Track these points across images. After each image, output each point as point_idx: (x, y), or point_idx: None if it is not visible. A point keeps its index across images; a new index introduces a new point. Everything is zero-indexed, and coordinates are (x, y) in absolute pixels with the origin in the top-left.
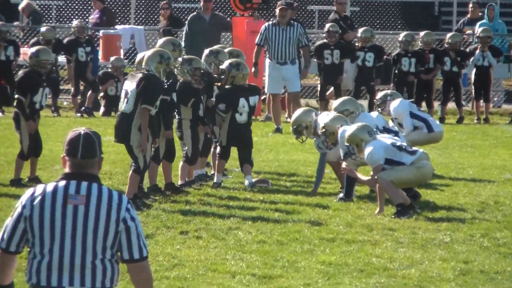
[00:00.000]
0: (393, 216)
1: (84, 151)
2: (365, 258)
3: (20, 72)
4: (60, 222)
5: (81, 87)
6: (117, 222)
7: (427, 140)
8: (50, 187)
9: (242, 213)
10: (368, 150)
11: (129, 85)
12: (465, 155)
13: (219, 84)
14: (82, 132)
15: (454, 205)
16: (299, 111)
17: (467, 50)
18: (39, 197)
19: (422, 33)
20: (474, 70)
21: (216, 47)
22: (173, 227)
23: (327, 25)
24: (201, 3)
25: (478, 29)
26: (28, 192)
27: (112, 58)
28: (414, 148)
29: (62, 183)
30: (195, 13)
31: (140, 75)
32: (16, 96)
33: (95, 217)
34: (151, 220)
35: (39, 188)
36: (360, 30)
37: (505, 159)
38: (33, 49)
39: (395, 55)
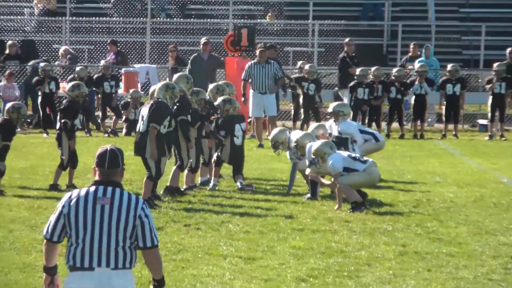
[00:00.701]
0: (349, 211)
1: (110, 162)
2: (326, 243)
3: (65, 102)
4: (91, 218)
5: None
6: (134, 218)
7: (376, 148)
8: (83, 191)
9: (232, 210)
10: (330, 161)
11: (144, 111)
12: (405, 164)
13: (213, 117)
14: (109, 148)
15: (395, 202)
16: (276, 130)
17: (408, 81)
18: (75, 199)
19: (373, 68)
20: (413, 97)
21: (221, 83)
22: (179, 221)
23: (299, 63)
24: (201, 46)
25: (417, 65)
26: (66, 195)
27: (131, 91)
28: (365, 158)
29: (93, 188)
30: (195, 54)
31: (152, 102)
32: (62, 120)
33: (117, 214)
34: (162, 215)
35: (75, 192)
36: (307, 66)
37: (436, 166)
38: (73, 84)
39: (351, 86)
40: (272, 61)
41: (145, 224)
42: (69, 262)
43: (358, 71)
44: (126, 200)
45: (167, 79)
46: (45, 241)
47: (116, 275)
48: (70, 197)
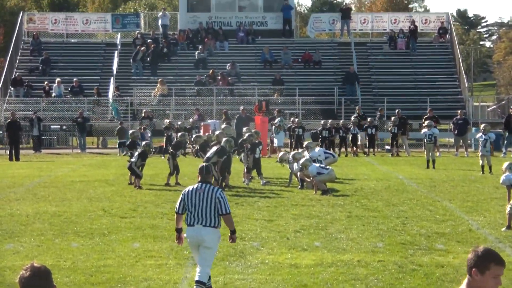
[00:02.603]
0: (320, 194)
1: (205, 172)
2: (309, 211)
3: (175, 141)
4: (195, 199)
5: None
6: (215, 198)
7: (334, 162)
8: (192, 186)
9: (259, 195)
10: (310, 169)
11: (214, 148)
12: (348, 169)
13: (246, 144)
14: (204, 164)
15: (344, 189)
16: (281, 153)
17: (348, 127)
18: (188, 190)
19: (330, 120)
20: (350, 136)
21: (250, 129)
22: (232, 201)
23: (292, 118)
24: (241, 110)
25: (353, 118)
26: (185, 189)
27: (206, 134)
28: (328, 167)
29: (197, 185)
30: (238, 115)
31: (219, 146)
32: (171, 150)
33: (207, 196)
34: (228, 196)
35: (188, 187)
36: (296, 119)
37: (364, 171)
38: (180, 133)
39: (319, 129)
40: (281, 117)
41: (221, 201)
42: (186, 221)
43: (322, 122)
44: (211, 190)
45: (222, 126)
46: (176, 214)
47: (204, 229)
48: (186, 190)
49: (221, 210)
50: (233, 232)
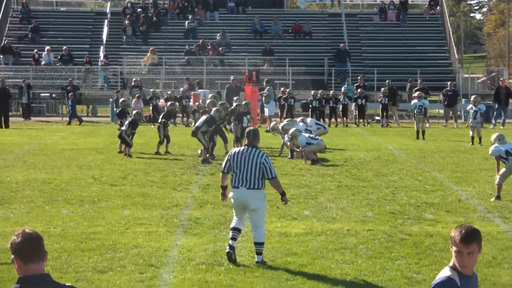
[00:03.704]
0: (310, 164)
1: (252, 136)
2: (299, 181)
3: (165, 111)
4: (240, 162)
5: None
6: (261, 164)
7: (324, 133)
8: (238, 149)
9: None
10: (299, 139)
11: (203, 117)
12: (339, 139)
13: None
14: (252, 129)
15: (333, 159)
16: (273, 123)
17: (339, 97)
18: (233, 152)
19: (320, 91)
20: (341, 106)
21: (241, 99)
22: (219, 170)
23: (282, 88)
24: (231, 80)
25: (343, 89)
26: (231, 150)
27: (196, 103)
28: (317, 137)
29: (243, 147)
30: (228, 84)
31: (208, 115)
32: (163, 120)
33: (253, 161)
34: (213, 166)
35: (235, 149)
36: (287, 90)
37: (354, 141)
38: (170, 102)
39: (310, 99)
40: (270, 86)
41: (266, 166)
42: (232, 183)
43: (312, 92)
44: (257, 154)
45: (209, 96)
46: (221, 173)
47: (248, 192)
48: (232, 151)
49: (267, 175)
50: (282, 194)
